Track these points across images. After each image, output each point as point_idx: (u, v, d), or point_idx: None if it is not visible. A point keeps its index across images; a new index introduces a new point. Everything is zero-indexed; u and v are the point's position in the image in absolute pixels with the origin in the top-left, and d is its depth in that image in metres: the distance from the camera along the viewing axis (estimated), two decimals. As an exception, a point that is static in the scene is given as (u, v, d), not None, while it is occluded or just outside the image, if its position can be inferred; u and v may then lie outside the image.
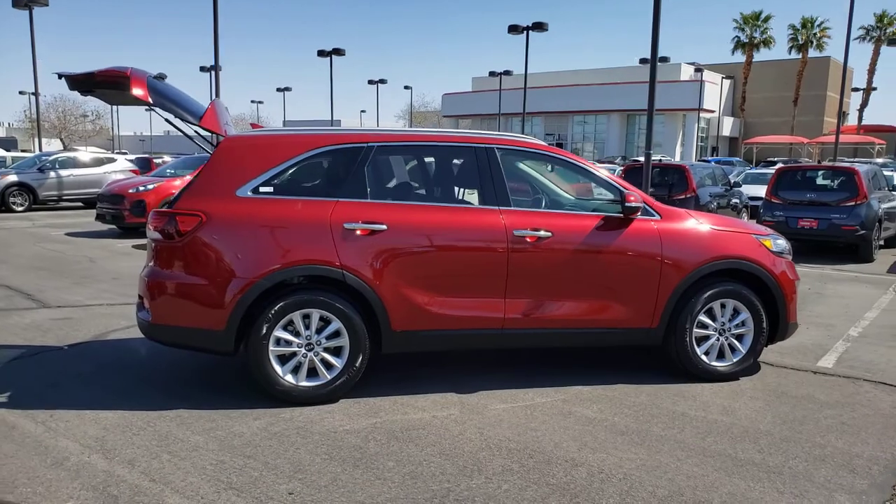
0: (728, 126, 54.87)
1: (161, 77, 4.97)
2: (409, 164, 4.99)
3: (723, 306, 4.99)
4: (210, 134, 4.81)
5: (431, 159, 4.94)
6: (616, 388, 4.81)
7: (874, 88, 53.40)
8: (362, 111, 63.62)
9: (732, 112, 55.78)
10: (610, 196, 4.92)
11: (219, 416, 4.21)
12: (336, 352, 4.45)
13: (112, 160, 20.98)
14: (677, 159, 40.90)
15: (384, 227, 4.42)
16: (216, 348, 4.40)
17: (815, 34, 52.87)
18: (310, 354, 4.41)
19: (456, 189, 4.83)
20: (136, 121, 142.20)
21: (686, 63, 50.53)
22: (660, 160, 22.89)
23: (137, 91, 4.26)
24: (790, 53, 53.40)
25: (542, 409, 4.40)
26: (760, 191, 18.02)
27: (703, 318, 4.95)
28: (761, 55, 53.63)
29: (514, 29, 29.82)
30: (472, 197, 4.72)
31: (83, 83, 4.43)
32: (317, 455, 3.70)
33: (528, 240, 4.61)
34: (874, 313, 7.52)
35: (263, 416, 4.22)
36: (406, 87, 58.53)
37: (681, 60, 50.30)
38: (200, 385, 4.83)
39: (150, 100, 4.32)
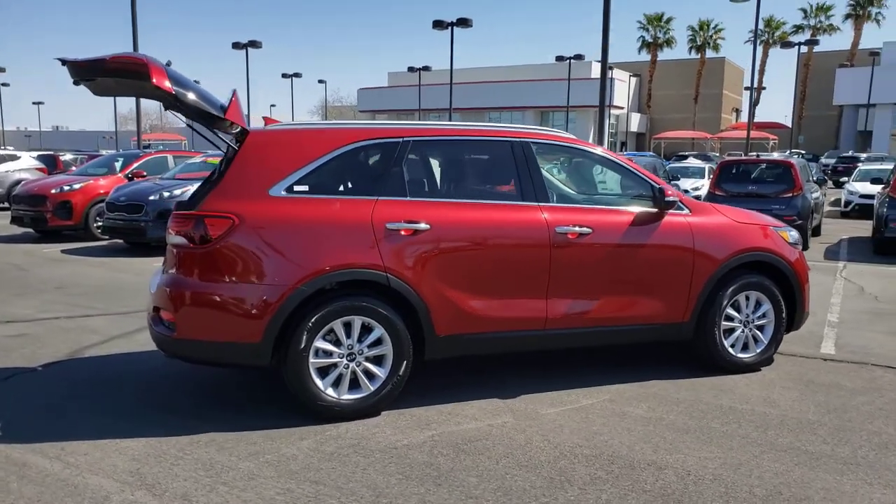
0: (636, 122, 57.01)
1: (168, 64, 4.49)
2: (446, 159, 4.73)
3: (747, 298, 5.04)
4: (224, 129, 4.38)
5: (468, 154, 4.71)
6: (652, 385, 4.76)
7: (764, 88, 56.87)
8: (272, 105, 61.64)
9: (639, 108, 58.01)
10: (640, 191, 4.85)
11: (258, 438, 3.84)
12: (378, 361, 4.15)
13: (15, 157, 19.33)
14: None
15: (427, 226, 4.17)
16: (251, 363, 4.02)
17: (711, 36, 55.82)
18: (351, 365, 4.10)
19: (494, 185, 4.63)
20: (18, 115, 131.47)
21: (596, 61, 51.99)
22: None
23: (159, 80, 3.79)
24: (690, 53, 56.14)
25: (594, 411, 4.28)
26: (686, 184, 18.86)
27: (729, 310, 4.98)
28: (665, 55, 56.11)
29: (438, 24, 29.69)
30: (511, 193, 4.53)
31: (89, 70, 3.91)
32: (390, 475, 3.42)
33: (570, 237, 4.47)
34: (838, 299, 7.87)
35: (308, 435, 3.89)
36: (320, 82, 56.98)
37: (591, 59, 51.76)
38: (215, 403, 4.42)
39: (173, 90, 3.86)
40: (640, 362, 5.24)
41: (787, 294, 5.13)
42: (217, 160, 12.62)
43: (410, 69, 47.87)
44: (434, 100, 51.93)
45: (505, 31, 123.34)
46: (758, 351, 5.10)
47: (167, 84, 3.82)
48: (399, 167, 4.28)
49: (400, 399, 4.29)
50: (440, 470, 3.47)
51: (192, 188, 11.26)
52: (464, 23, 29.52)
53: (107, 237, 12.09)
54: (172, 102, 3.94)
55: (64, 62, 3.90)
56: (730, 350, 5.01)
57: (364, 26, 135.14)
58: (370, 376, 4.14)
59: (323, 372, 4.05)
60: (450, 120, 38.82)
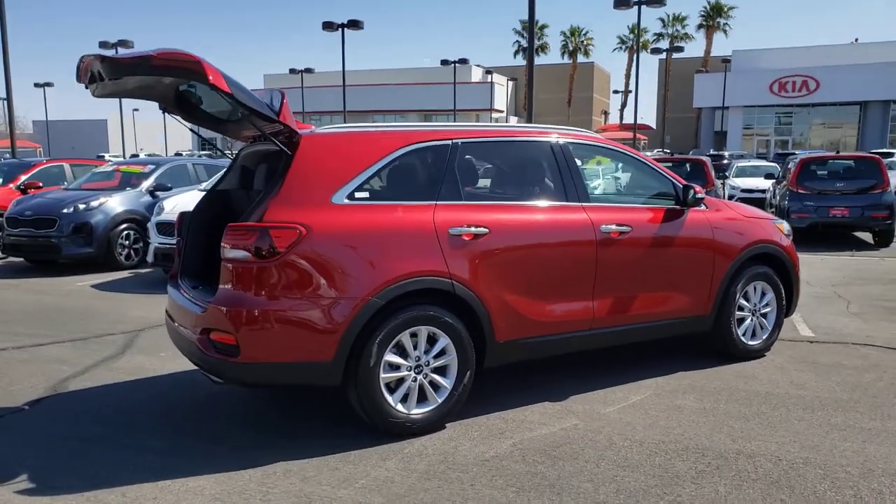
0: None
1: None
2: (493, 160, 4.62)
3: (754, 289, 5.32)
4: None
5: (513, 155, 4.63)
6: (683, 377, 4.91)
7: (630, 91, 60.48)
8: (135, 110, 57.76)
9: (516, 112, 59.88)
10: (666, 189, 4.99)
11: (335, 462, 3.58)
12: (442, 371, 4.00)
13: None
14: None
15: (486, 230, 4.07)
16: (322, 383, 3.74)
17: (582, 42, 58.68)
18: (419, 377, 3.92)
19: (540, 185, 4.58)
20: None
21: (475, 65, 53.20)
22: (836, 152, 22.55)
23: (216, 79, 3.44)
24: (563, 58, 58.70)
25: (649, 407, 4.35)
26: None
27: (741, 300, 5.24)
28: (540, 59, 58.21)
29: (328, 26, 29.10)
30: (556, 193, 4.50)
31: (130, 68, 3.47)
32: (503, 489, 3.29)
33: (613, 235, 4.53)
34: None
35: (387, 455, 3.67)
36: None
37: (470, 63, 52.82)
38: (254, 428, 4.08)
39: (230, 90, 3.51)
40: (653, 356, 5.38)
41: (786, 282, 5.47)
42: (137, 168, 11.75)
43: (292, 71, 46.69)
44: (315, 102, 51.00)
45: (389, 33, 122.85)
46: (764, 338, 5.40)
47: (224, 83, 3.47)
48: (452, 170, 4.14)
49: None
50: (548, 478, 3.39)
51: (113, 199, 10.40)
52: (355, 25, 29.15)
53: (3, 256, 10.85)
54: (188, 107, 3.60)
55: (103, 59, 3.45)
56: (742, 338, 5.28)
57: (237, 28, 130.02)
58: (436, 388, 3.98)
59: (391, 387, 3.85)
60: (344, 122, 38.15)
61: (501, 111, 54.40)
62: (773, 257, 5.36)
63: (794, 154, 29.16)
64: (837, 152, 18.16)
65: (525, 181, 4.61)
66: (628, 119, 59.86)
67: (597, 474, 3.43)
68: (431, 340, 3.94)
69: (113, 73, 3.50)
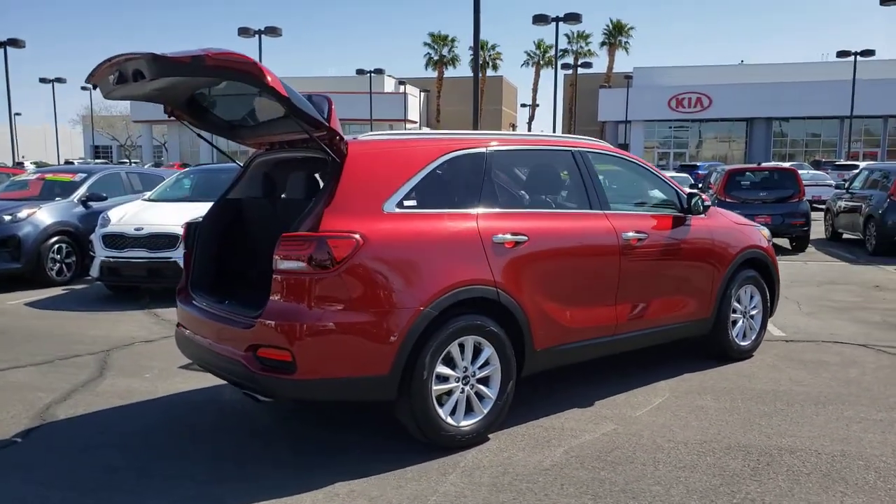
0: (425, 136, 59.08)
1: None
2: (522, 168, 4.61)
3: (745, 292, 5.58)
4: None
5: (540, 163, 4.64)
6: (689, 379, 5.07)
7: (538, 105, 62.35)
8: (17, 114, 53.83)
9: (428, 123, 60.25)
10: (671, 197, 5.15)
11: (395, 479, 3.46)
12: (485, 382, 3.95)
13: None
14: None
15: (526, 237, 4.07)
16: (378, 398, 3.60)
17: (491, 56, 59.86)
18: (466, 388, 3.86)
19: (566, 193, 4.62)
20: None
21: (388, 76, 53.19)
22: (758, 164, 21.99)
23: (274, 81, 3.26)
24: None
25: (675, 409, 4.46)
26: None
27: (735, 303, 5.49)
28: (450, 72, 58.95)
29: (244, 32, 28.24)
30: (581, 201, 4.56)
31: (181, 68, 3.22)
32: (580, 497, 3.28)
33: (633, 242, 4.64)
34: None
35: (445, 469, 3.59)
36: (84, 88, 50.75)
37: (383, 73, 52.77)
38: (285, 443, 3.88)
39: (286, 93, 3.33)
40: (654, 360, 5.51)
41: (769, 285, 5.78)
42: (65, 176, 10.92)
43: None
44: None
45: (308, 39, 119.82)
46: (752, 338, 5.68)
47: (281, 86, 3.31)
48: (489, 177, 4.12)
49: (499, 419, 4.12)
50: (617, 483, 3.41)
51: (43, 210, 9.61)
52: (272, 31, 28.47)
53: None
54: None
55: (155, 58, 3.19)
56: (735, 339, 5.52)
57: (146, 30, 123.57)
58: (480, 399, 3.93)
59: (440, 400, 3.76)
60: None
61: (415, 122, 54.58)
62: (759, 261, 5.65)
63: (698, 166, 31.01)
64: (759, 164, 19.37)
65: (554, 189, 4.66)
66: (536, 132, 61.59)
67: (660, 477, 3.48)
68: (476, 351, 3.89)
69: (160, 72, 3.25)
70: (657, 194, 5.19)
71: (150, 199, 9.48)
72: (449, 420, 3.76)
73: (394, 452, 3.76)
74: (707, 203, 5.11)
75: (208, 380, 5.04)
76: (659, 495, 3.29)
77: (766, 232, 5.91)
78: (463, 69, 60.77)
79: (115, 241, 8.21)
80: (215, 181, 9.77)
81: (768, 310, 5.77)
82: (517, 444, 3.91)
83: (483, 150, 4.15)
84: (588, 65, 45.51)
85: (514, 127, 66.28)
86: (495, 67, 61.06)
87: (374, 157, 3.79)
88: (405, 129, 52.57)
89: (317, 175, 4.20)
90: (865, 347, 5.94)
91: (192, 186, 9.78)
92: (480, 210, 3.99)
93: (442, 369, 3.73)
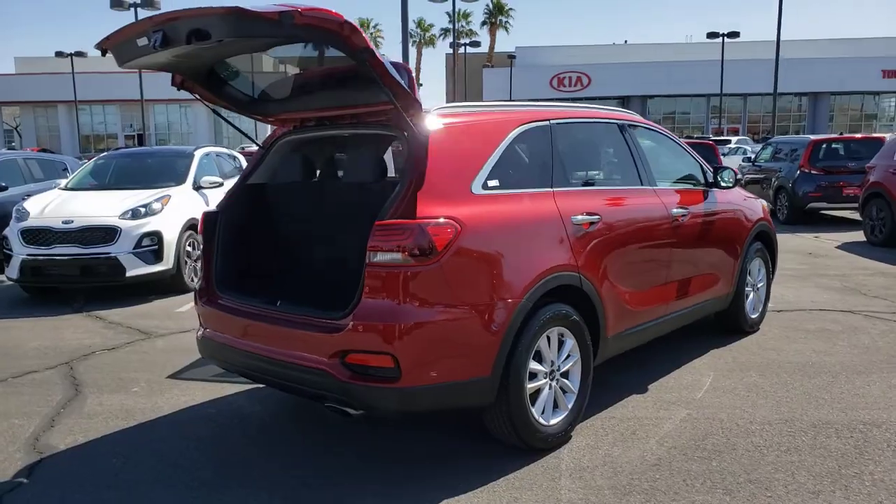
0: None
1: None
2: (579, 142, 4.26)
3: (755, 264, 5.61)
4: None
5: (593, 137, 4.33)
6: (721, 355, 5.03)
7: (421, 84, 62.03)
8: None
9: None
10: (700, 172, 5.05)
11: (504, 489, 3.12)
12: (565, 375, 3.66)
13: None
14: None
15: (598, 216, 3.80)
16: (478, 403, 3.21)
17: (372, 34, 58.81)
18: (553, 384, 3.55)
19: (620, 168, 4.35)
20: None
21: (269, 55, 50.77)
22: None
23: (367, 41, 2.75)
24: (356, 49, 58.27)
25: (731, 388, 4.37)
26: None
27: (749, 277, 5.51)
28: (331, 51, 57.29)
29: (118, 4, 25.78)
30: (633, 177, 4.33)
31: (268, 27, 2.64)
32: (712, 492, 3.09)
33: (679, 219, 4.49)
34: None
35: (550, 474, 3.28)
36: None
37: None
38: (352, 458, 3.43)
39: (380, 59, 2.83)
40: (671, 338, 5.44)
41: (772, 257, 5.86)
42: None
43: (59, 54, 40.95)
44: (90, 91, 45.46)
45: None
46: (760, 310, 5.75)
47: (370, 48, 2.83)
48: (557, 152, 3.80)
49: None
50: (736, 474, 3.24)
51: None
52: (150, 4, 26.22)
53: None
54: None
55: (239, 13, 2.59)
56: (748, 313, 5.56)
57: None
58: (563, 393, 3.64)
59: (532, 398, 3.43)
60: (142, 111, 34.60)
61: (298, 101, 52.73)
62: (766, 234, 5.69)
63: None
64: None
65: (609, 164, 4.40)
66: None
67: (774, 463, 3.35)
68: (560, 342, 3.59)
69: (239, 31, 2.68)
70: (685, 167, 5.05)
71: (69, 188, 8.35)
72: (540, 420, 3.45)
73: (479, 459, 3.41)
74: (738, 176, 5.04)
75: (213, 390, 4.47)
76: (789, 483, 3.15)
77: (766, 204, 5.98)
78: (291, 51, 59.30)
79: (39, 236, 7.14)
80: (142, 166, 8.83)
81: (771, 282, 5.86)
82: (604, 439, 3.66)
83: (547, 122, 3.82)
84: (476, 44, 45.66)
85: (400, 106, 65.66)
86: (377, 46, 60.00)
87: (457, 133, 3.36)
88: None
89: (384, 154, 3.70)
90: (853, 314, 6.18)
91: (115, 173, 8.71)
92: (555, 189, 3.67)
93: (533, 365, 3.40)
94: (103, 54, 3.39)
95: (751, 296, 5.59)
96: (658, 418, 3.92)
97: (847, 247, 10.29)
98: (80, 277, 7.16)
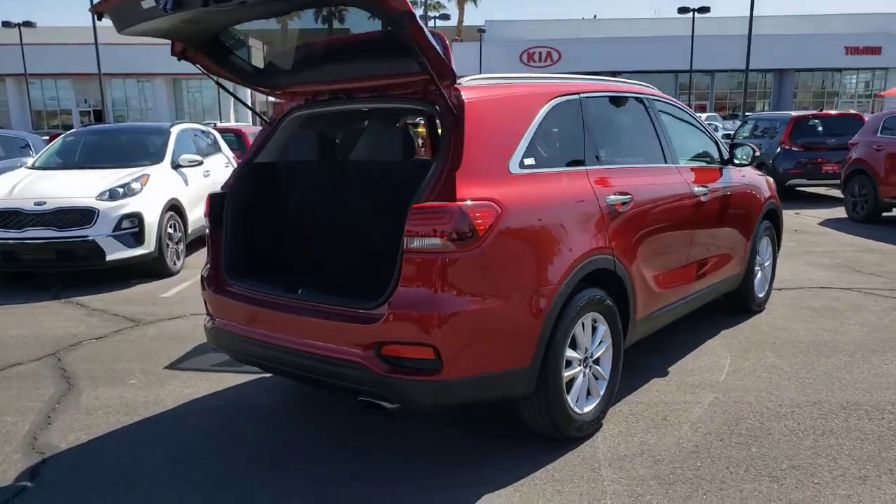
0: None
1: None
2: (606, 117, 4.06)
3: (763, 243, 5.54)
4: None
5: (617, 112, 4.15)
6: (733, 335, 4.97)
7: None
8: None
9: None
10: (714, 149, 4.93)
11: (543, 482, 2.98)
12: (597, 361, 3.53)
13: None
14: (232, 124, 40.12)
15: (630, 196, 3.65)
16: (517, 394, 3.06)
17: (334, 9, 57.57)
18: (587, 371, 3.42)
19: (645, 146, 4.19)
20: None
21: (232, 26, 49.39)
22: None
23: (400, 6, 2.54)
24: (317, 23, 56.99)
25: (751, 370, 4.30)
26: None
27: (757, 256, 5.44)
28: (293, 24, 55.95)
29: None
30: (657, 154, 4.18)
31: None
32: (758, 481, 3.00)
33: (701, 198, 4.37)
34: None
35: (590, 464, 3.16)
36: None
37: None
38: (367, 456, 3.26)
39: (419, 24, 2.61)
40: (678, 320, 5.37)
41: (778, 235, 5.80)
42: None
43: (6, 24, 39.26)
44: (39, 63, 43.64)
45: None
46: (766, 289, 5.70)
47: (410, 13, 2.62)
48: (587, 128, 3.63)
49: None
50: (777, 460, 3.16)
51: None
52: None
53: None
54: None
55: None
56: (756, 292, 5.50)
57: None
58: (595, 380, 3.51)
59: (567, 387, 3.30)
60: (101, 85, 33.41)
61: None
62: (774, 212, 5.63)
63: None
64: None
65: (635, 140, 4.23)
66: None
67: (814, 447, 3.28)
68: (593, 328, 3.45)
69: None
70: (702, 143, 4.92)
71: (36, 167, 7.92)
72: (575, 408, 3.32)
73: (507, 450, 3.28)
74: (757, 154, 4.93)
75: (216, 381, 4.27)
76: (833, 469, 3.08)
77: (772, 181, 5.90)
78: (307, 19, 58.13)
79: (9, 219, 6.73)
80: (115, 144, 8.44)
81: (776, 261, 5.81)
82: (636, 426, 3.55)
83: (577, 96, 3.64)
84: (446, 17, 45.06)
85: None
86: (342, 20, 58.82)
87: (493, 107, 3.16)
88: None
89: (412, 130, 3.47)
90: (853, 291, 6.19)
91: (85, 151, 8.28)
92: (588, 167, 3.51)
93: (568, 353, 3.26)
94: (99, 18, 3.11)
95: (758, 275, 5.53)
96: (686, 402, 3.83)
97: (830, 223, 10.38)
98: (56, 262, 6.78)
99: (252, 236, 3.65)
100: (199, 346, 4.96)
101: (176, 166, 7.90)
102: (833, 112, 14.11)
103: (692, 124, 4.86)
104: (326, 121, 3.81)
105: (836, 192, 12.54)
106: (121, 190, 6.95)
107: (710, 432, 3.46)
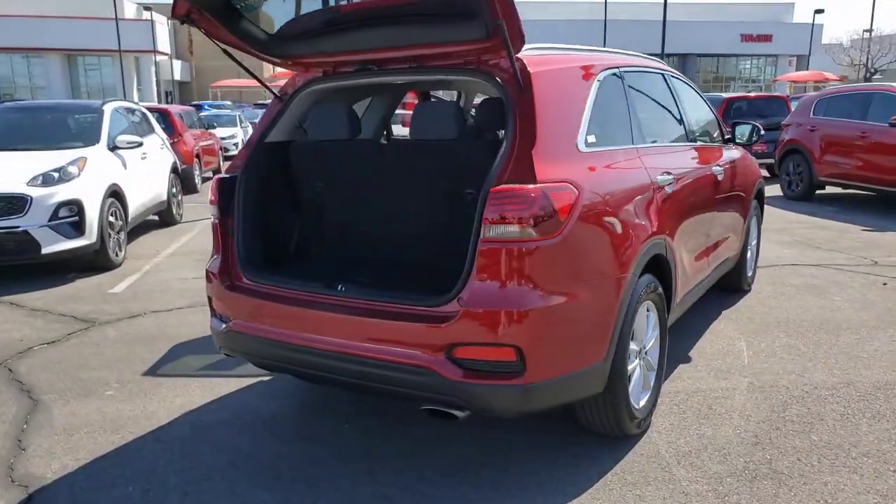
0: (178, 70, 53.11)
1: None
2: (641, 93, 3.80)
3: (752, 224, 5.53)
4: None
5: (653, 88, 3.90)
6: (735, 317, 4.93)
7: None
8: None
9: (179, 55, 54.18)
10: (713, 126, 4.82)
11: (623, 488, 2.76)
12: (647, 351, 3.34)
13: None
14: (156, 104, 37.86)
15: (673, 177, 3.46)
16: (590, 393, 2.79)
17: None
18: (642, 363, 3.21)
19: (674, 124, 3.99)
20: None
21: (131, 1, 46.47)
22: None
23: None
24: None
25: (772, 352, 4.24)
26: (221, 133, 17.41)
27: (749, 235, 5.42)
28: None
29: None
30: (679, 133, 4.01)
31: None
32: (839, 472, 2.88)
33: (719, 178, 4.25)
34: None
35: (659, 464, 2.96)
36: None
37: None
38: (410, 466, 2.95)
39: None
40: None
41: (761, 216, 5.81)
42: None
43: None
44: None
45: None
46: (753, 268, 5.71)
47: None
48: (630, 104, 3.40)
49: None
50: (848, 450, 3.06)
51: None
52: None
53: None
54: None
55: None
56: (747, 271, 5.49)
57: None
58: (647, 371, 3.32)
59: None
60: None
61: (166, 53, 48.75)
62: (761, 192, 5.61)
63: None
64: None
65: (664, 117, 4.02)
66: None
67: (873, 431, 3.20)
68: (644, 316, 3.24)
69: None
70: (708, 121, 4.79)
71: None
72: (633, 403, 3.10)
73: (571, 454, 3.03)
74: (763, 133, 4.86)
75: (209, 388, 3.83)
76: (899, 453, 3.02)
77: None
78: None
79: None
80: (41, 123, 7.57)
81: (760, 240, 5.84)
82: (685, 418, 3.38)
83: (617, 69, 3.39)
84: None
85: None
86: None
87: (556, 79, 2.85)
88: (155, 62, 46.71)
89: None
90: (824, 268, 6.32)
91: (6, 130, 7.34)
92: (637, 146, 3.28)
93: (631, 345, 3.03)
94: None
95: (748, 255, 5.52)
96: (724, 390, 3.70)
97: (770, 201, 10.68)
98: (-20, 256, 5.98)
99: (270, 225, 3.21)
100: (173, 348, 4.45)
101: (113, 148, 7.14)
102: (762, 95, 14.61)
103: (700, 101, 4.73)
104: (351, 95, 3.39)
105: (764, 172, 12.99)
106: (55, 174, 6.19)
107: (763, 420, 3.34)
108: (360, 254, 3.35)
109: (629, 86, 3.45)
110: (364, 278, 2.95)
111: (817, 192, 10.83)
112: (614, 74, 3.31)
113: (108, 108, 7.62)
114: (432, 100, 3.87)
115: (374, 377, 2.65)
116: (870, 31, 44.53)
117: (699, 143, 4.23)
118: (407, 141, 3.47)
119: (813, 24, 44.22)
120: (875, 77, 44.51)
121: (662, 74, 4.03)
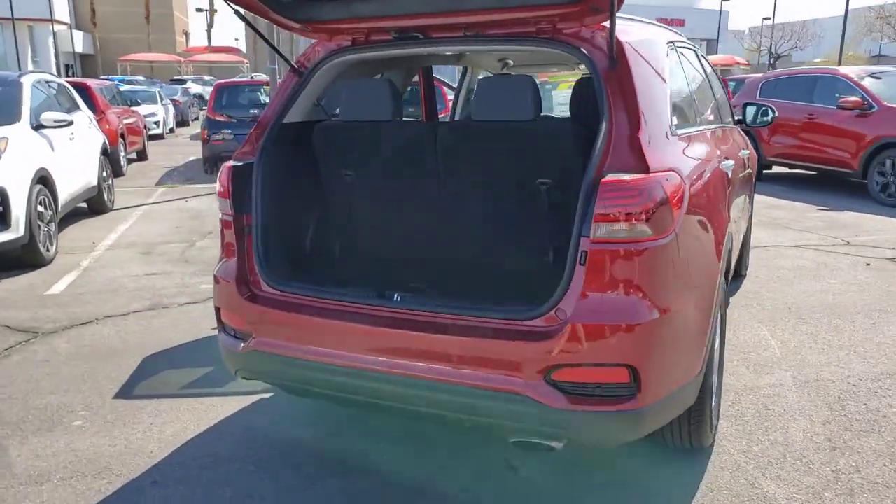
0: (80, 41, 49.43)
1: None
2: (685, 71, 3.42)
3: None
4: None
5: (688, 64, 3.53)
6: (745, 304, 4.76)
7: (216, 10, 56.24)
8: None
9: (80, 25, 50.44)
10: (724, 106, 4.57)
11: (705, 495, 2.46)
12: (707, 353, 3.05)
13: None
14: (75, 78, 34.95)
15: (732, 162, 3.19)
16: (685, 408, 2.44)
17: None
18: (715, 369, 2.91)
19: (707, 104, 3.66)
20: None
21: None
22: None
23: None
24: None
25: (799, 341, 4.08)
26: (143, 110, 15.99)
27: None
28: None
29: None
30: (714, 113, 3.71)
31: None
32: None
33: (745, 162, 4.03)
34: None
35: (745, 477, 2.68)
36: None
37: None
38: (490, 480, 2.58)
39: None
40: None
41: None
42: None
43: None
44: None
45: None
46: (748, 252, 5.57)
47: None
48: (688, 83, 3.07)
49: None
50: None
51: None
52: None
53: None
54: None
55: None
56: (745, 256, 5.34)
57: None
58: (710, 375, 3.03)
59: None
60: None
61: (65, 23, 45.24)
62: (755, 175, 5.47)
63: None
64: None
65: (705, 98, 3.68)
66: (217, 41, 56.20)
67: (938, 428, 3.05)
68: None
69: None
70: (723, 101, 4.53)
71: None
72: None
73: (656, 473, 2.72)
74: (777, 115, 4.64)
75: (200, 411, 3.26)
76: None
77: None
78: None
79: None
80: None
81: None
82: (745, 422, 3.12)
83: (673, 43, 3.03)
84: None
85: (187, 35, 59.15)
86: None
87: (645, 52, 2.44)
88: (53, 31, 43.26)
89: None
90: (803, 248, 6.32)
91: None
92: (705, 128, 2.97)
93: (711, 349, 2.73)
94: None
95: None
96: (771, 386, 3.48)
97: (719, 181, 10.80)
98: None
99: (292, 221, 2.69)
100: (145, 361, 3.85)
101: (38, 127, 6.26)
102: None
103: (716, 81, 4.47)
104: (372, 69, 2.88)
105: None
106: (-28, 158, 5.33)
107: (828, 421, 3.12)
108: (402, 254, 2.87)
109: (683, 62, 3.12)
110: (417, 284, 2.49)
111: (765, 171, 11.00)
112: (676, 50, 2.96)
113: (27, 81, 6.68)
114: (503, 73, 3.40)
115: (450, 405, 2.21)
116: (772, 19, 46.81)
117: (729, 125, 3.97)
118: (465, 122, 3.01)
119: (721, 11, 45.88)
120: (778, 62, 46.91)
121: (695, 50, 3.73)
